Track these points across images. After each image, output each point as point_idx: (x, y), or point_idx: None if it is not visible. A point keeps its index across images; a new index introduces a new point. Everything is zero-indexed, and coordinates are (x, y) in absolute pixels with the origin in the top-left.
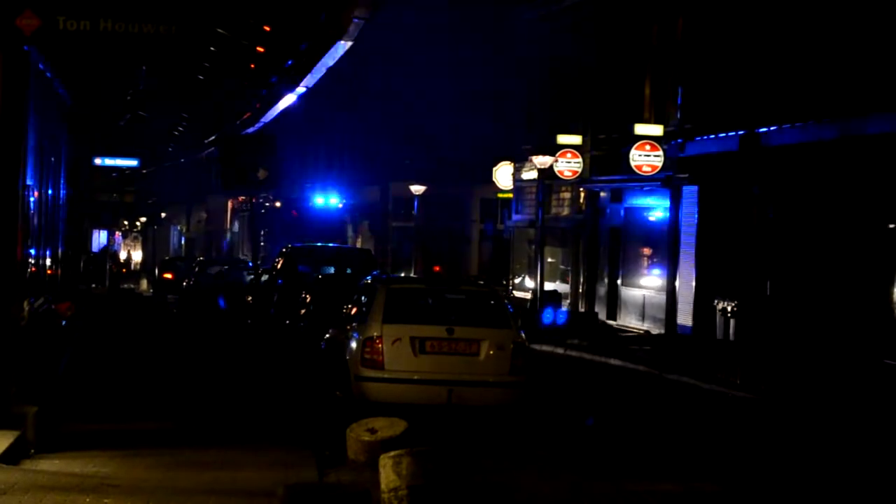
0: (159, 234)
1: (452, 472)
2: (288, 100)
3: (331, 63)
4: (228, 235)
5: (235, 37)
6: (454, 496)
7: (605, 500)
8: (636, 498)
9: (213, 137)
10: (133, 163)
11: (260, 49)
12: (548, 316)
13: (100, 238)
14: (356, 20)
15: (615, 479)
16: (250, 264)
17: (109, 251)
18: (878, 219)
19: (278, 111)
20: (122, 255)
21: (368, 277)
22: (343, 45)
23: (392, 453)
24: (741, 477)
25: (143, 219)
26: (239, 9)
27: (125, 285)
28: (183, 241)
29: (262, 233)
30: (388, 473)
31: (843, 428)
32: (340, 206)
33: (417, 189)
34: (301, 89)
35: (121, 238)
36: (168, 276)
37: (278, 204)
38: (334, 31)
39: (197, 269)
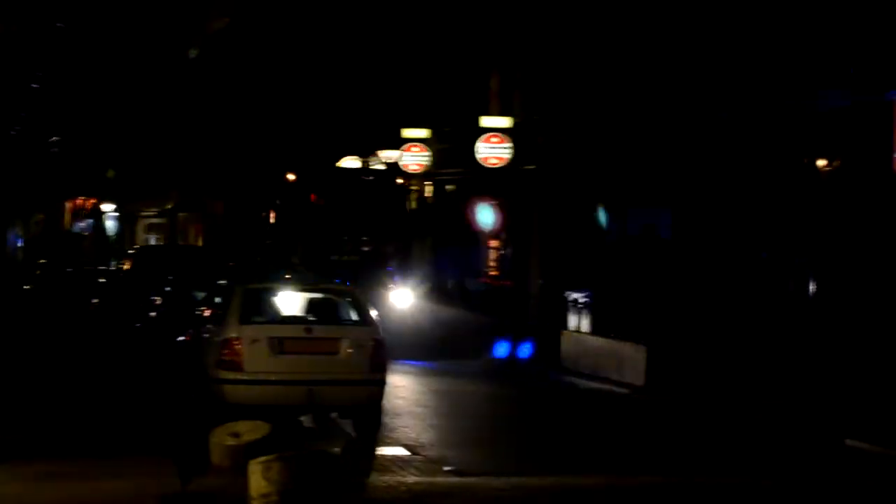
0: None
1: (322, 475)
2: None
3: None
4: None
5: (79, 35)
6: (325, 499)
7: (489, 498)
8: (522, 492)
9: (55, 139)
10: None
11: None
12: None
13: None
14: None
15: (489, 476)
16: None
17: None
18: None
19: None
20: None
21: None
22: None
23: (261, 459)
24: (616, 468)
25: None
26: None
27: None
28: (20, 244)
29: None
30: (258, 479)
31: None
32: (401, 180)
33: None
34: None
35: None
36: None
37: (291, 177)
38: (186, 40)
39: (39, 272)
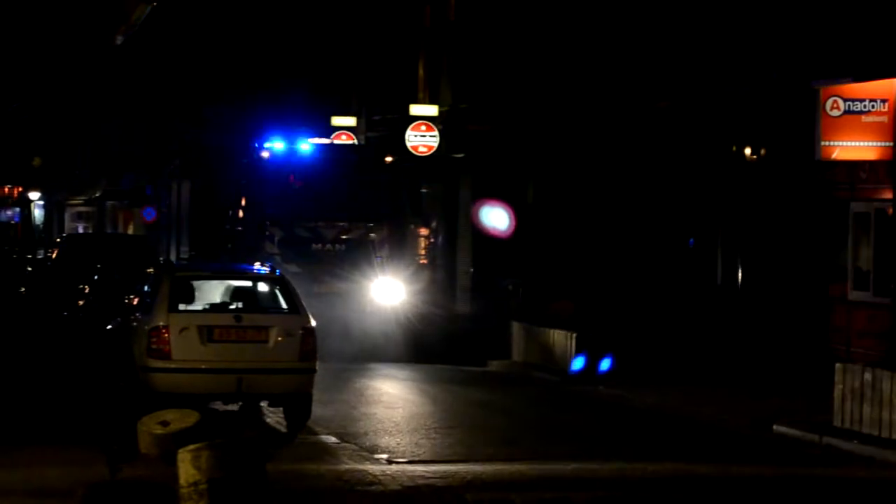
0: None
1: (252, 463)
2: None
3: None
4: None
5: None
6: (253, 487)
7: (417, 486)
8: (454, 479)
9: None
10: None
11: None
12: None
13: None
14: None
15: (416, 463)
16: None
17: None
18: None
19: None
20: None
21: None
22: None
23: (191, 447)
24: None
25: None
26: None
27: None
28: None
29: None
30: (187, 468)
31: None
32: (390, 158)
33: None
34: None
35: None
36: None
37: (266, 154)
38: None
39: None
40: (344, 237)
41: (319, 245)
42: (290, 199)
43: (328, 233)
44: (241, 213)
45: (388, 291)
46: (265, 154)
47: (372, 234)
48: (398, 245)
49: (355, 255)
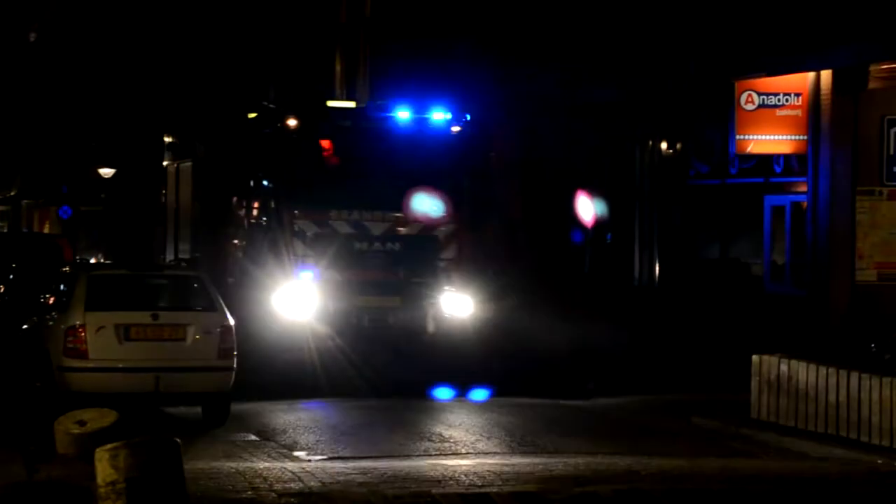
0: None
1: (169, 462)
2: None
3: None
4: None
5: None
6: (171, 486)
7: (335, 482)
8: (372, 475)
9: None
10: None
11: None
12: None
13: None
14: None
15: (336, 460)
16: None
17: None
18: None
19: None
20: None
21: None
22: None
23: (108, 446)
24: None
25: None
26: None
27: None
28: None
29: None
30: (105, 467)
31: None
32: (458, 128)
33: (107, 172)
34: None
35: None
36: None
37: (293, 123)
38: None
39: None
40: (397, 235)
41: (365, 244)
42: (325, 182)
43: (376, 228)
44: (256, 204)
45: (455, 304)
46: (291, 123)
47: (435, 231)
48: (468, 245)
49: (412, 257)
